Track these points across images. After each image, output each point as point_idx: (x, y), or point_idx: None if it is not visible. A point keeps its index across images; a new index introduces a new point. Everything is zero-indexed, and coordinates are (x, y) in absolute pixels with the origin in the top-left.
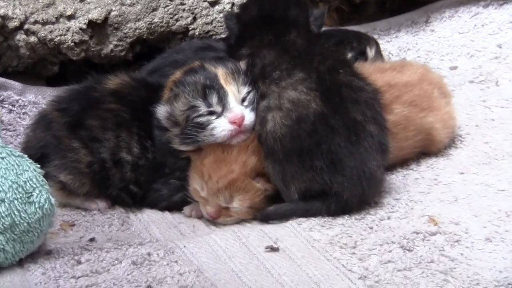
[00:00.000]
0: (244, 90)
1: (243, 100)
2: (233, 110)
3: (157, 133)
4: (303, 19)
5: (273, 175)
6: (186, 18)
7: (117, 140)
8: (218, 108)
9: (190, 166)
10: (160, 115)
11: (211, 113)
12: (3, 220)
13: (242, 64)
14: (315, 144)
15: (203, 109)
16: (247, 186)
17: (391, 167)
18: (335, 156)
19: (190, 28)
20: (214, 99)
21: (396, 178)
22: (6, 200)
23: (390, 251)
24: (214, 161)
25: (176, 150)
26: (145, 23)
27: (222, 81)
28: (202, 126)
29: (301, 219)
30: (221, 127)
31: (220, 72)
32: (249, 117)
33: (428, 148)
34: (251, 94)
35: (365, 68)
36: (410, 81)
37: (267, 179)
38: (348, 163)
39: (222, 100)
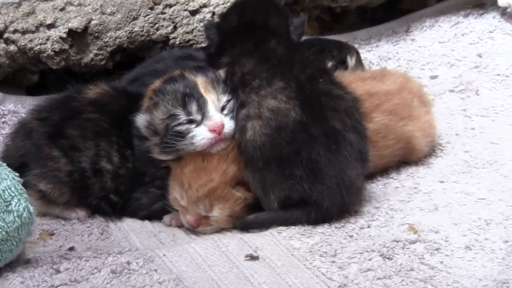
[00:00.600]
0: (224, 98)
1: (222, 108)
2: (213, 118)
3: (136, 142)
4: (283, 28)
5: (252, 184)
6: (167, 27)
7: (97, 149)
8: (197, 117)
9: (170, 175)
10: (139, 123)
11: (190, 121)
12: None
13: (222, 73)
14: (294, 152)
15: (183, 117)
16: (227, 195)
17: (371, 176)
18: (315, 164)
19: (170, 37)
20: (193, 107)
21: (376, 187)
22: None
23: (370, 260)
24: (194, 170)
25: (156, 159)
26: (126, 32)
27: (202, 90)
28: (182, 135)
29: (281, 227)
30: (201, 135)
31: (200, 81)
32: (229, 125)
33: (408, 156)
34: (231, 103)
35: (346, 77)
36: (390, 90)
37: (247, 188)
38: (327, 171)
39: (202, 108)
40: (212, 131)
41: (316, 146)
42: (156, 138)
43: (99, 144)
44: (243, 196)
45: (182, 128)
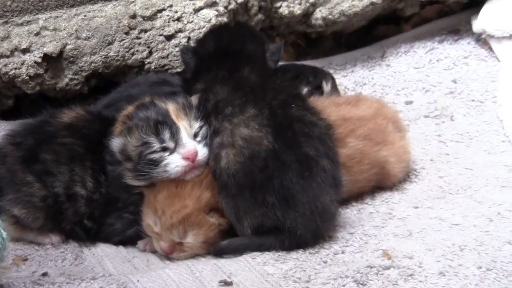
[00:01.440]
0: (196, 125)
1: (195, 135)
2: (186, 146)
3: (109, 167)
4: (259, 54)
5: (226, 210)
6: (142, 52)
7: (71, 174)
8: (171, 144)
9: (144, 201)
10: (114, 148)
11: (164, 149)
12: None
13: (194, 99)
14: (266, 179)
15: (156, 145)
16: (201, 221)
17: (346, 201)
18: (287, 191)
19: (146, 62)
20: (166, 135)
21: (351, 212)
22: None
23: (343, 285)
24: (167, 196)
25: (129, 184)
26: (101, 56)
27: (174, 117)
28: (155, 163)
29: (255, 253)
30: (174, 163)
31: (171, 108)
32: (202, 152)
33: (383, 182)
34: (204, 129)
35: (320, 102)
36: (365, 115)
37: (221, 214)
38: (300, 198)
39: (175, 136)
40: (186, 159)
41: (288, 173)
42: (129, 164)
43: (73, 169)
44: (217, 222)
45: (156, 156)
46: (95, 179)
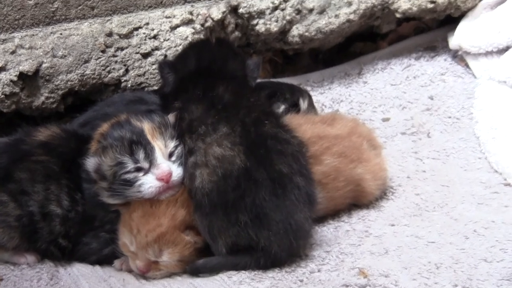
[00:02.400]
0: (172, 144)
1: (170, 155)
2: (161, 166)
3: (85, 185)
4: (239, 72)
5: (201, 229)
6: (119, 70)
7: (46, 192)
8: (145, 164)
9: (120, 219)
10: (89, 167)
11: (138, 169)
12: None
13: (171, 117)
14: (239, 198)
15: (130, 165)
16: (177, 240)
17: (323, 219)
18: (260, 210)
19: (122, 80)
20: (141, 155)
21: (328, 230)
22: None
23: None
24: (142, 215)
25: (105, 203)
26: (77, 75)
27: (149, 136)
28: (130, 183)
29: (231, 272)
30: (148, 183)
31: (147, 127)
32: (177, 172)
33: (359, 199)
34: (179, 148)
35: (296, 120)
36: (340, 133)
37: (196, 232)
38: (273, 216)
39: (149, 156)
40: (160, 179)
41: (260, 191)
42: (104, 183)
43: (49, 188)
44: (193, 240)
45: (130, 176)
46: (71, 197)
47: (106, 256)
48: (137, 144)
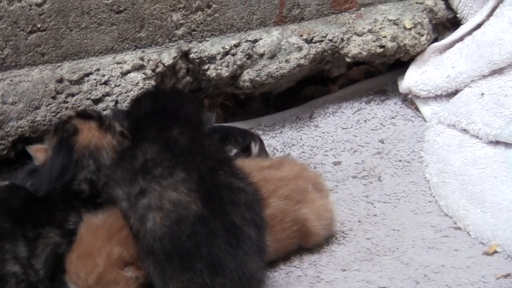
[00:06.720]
0: None
1: None
2: None
3: None
4: (195, 117)
5: (153, 275)
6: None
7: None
8: None
9: None
10: None
11: None
12: None
13: None
14: (195, 246)
15: None
16: (117, 278)
17: (274, 264)
18: (216, 259)
19: None
20: None
21: (279, 276)
22: None
23: None
24: (78, 257)
25: None
26: (28, 121)
27: None
28: None
29: None
30: None
31: None
32: None
33: (306, 240)
34: None
35: (247, 164)
36: (286, 175)
37: (137, 267)
38: (228, 265)
39: None
40: None
41: (216, 241)
42: None
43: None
44: (134, 275)
45: None
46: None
47: None
48: None
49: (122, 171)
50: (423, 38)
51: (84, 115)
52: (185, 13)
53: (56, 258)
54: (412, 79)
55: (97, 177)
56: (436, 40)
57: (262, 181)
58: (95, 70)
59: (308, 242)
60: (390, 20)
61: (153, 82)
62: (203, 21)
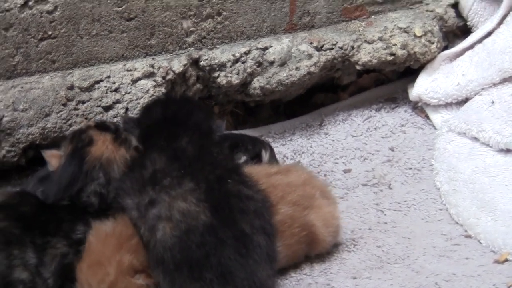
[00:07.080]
0: None
1: None
2: None
3: None
4: (205, 125)
5: (162, 285)
6: (80, 123)
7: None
8: None
9: None
10: None
11: None
12: None
13: None
14: (204, 256)
15: None
16: (128, 286)
17: (284, 272)
18: (225, 268)
19: None
20: None
21: (290, 284)
22: None
23: None
24: (89, 266)
25: None
26: (38, 128)
27: None
28: None
29: None
30: None
31: None
32: None
33: (313, 247)
34: None
35: (255, 171)
36: (294, 182)
37: (147, 274)
38: (238, 274)
39: None
40: None
41: (226, 250)
42: None
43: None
44: (145, 283)
45: None
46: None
47: None
48: None
49: (131, 181)
50: (433, 46)
51: (101, 126)
52: (195, 21)
53: (64, 268)
54: (422, 87)
55: (106, 190)
56: (446, 48)
57: (270, 188)
58: (105, 77)
59: (315, 249)
60: (400, 28)
61: (163, 90)
62: (213, 29)
